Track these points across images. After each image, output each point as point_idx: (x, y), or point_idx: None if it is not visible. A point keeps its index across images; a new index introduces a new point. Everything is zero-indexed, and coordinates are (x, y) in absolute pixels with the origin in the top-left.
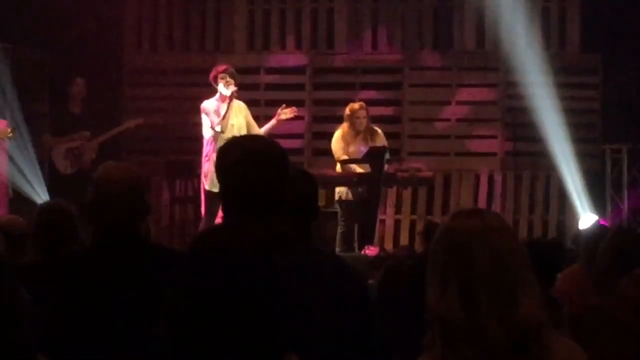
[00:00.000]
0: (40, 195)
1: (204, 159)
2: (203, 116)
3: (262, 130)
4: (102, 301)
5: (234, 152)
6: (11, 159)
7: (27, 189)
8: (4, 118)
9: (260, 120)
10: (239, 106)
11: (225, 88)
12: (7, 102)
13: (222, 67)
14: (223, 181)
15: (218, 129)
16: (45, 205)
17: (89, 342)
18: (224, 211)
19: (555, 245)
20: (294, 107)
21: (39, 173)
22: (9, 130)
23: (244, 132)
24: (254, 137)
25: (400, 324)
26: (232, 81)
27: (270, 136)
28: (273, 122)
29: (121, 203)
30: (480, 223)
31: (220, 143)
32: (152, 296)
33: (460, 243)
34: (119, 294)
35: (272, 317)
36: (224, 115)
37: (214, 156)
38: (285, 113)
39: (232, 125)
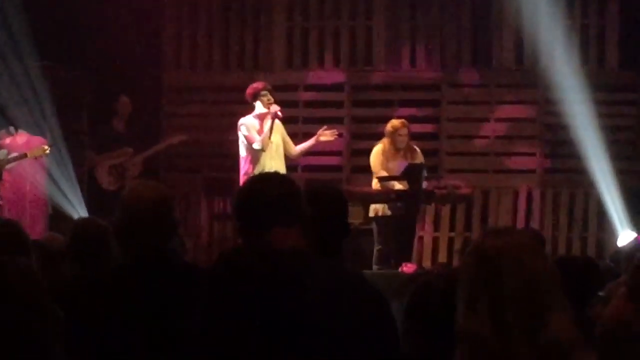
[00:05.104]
0: (79, 211)
1: (242, 177)
2: (240, 133)
3: (298, 149)
4: (131, 319)
5: (252, 179)
6: (50, 176)
7: (66, 206)
8: (44, 135)
9: (298, 137)
10: (277, 124)
11: (266, 106)
12: (46, 120)
13: (260, 85)
14: (240, 204)
15: (257, 146)
16: (79, 221)
17: None
18: (240, 233)
19: (588, 263)
20: (335, 130)
21: (78, 190)
22: (47, 147)
23: (281, 149)
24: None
25: (431, 342)
26: (272, 99)
27: (307, 154)
28: (312, 141)
29: (148, 222)
30: (510, 241)
31: (261, 160)
32: (180, 313)
33: (490, 261)
34: (148, 312)
35: (288, 334)
36: (269, 134)
37: (254, 173)
38: (326, 135)
39: (272, 142)
